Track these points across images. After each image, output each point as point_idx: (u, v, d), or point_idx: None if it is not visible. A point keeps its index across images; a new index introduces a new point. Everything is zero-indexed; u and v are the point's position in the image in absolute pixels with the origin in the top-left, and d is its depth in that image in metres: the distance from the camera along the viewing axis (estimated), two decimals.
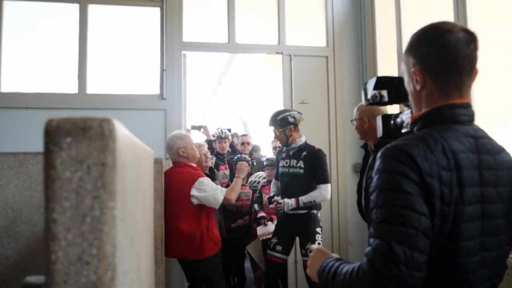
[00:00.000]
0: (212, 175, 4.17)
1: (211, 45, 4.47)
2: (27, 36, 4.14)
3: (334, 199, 4.39)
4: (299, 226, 3.53)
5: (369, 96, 1.53)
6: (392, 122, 1.55)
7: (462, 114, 1.14)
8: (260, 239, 4.01)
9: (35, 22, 4.16)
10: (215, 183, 4.12)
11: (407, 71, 1.22)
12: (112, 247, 0.67)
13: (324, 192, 3.46)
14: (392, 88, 1.48)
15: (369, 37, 4.45)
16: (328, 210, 4.36)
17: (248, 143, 5.17)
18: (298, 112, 3.63)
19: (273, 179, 3.96)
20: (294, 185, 3.51)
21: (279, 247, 3.54)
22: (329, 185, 3.49)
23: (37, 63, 4.15)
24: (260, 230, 4.06)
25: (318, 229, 3.53)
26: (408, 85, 1.23)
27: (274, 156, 4.56)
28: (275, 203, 3.55)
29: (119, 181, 0.71)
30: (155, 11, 4.26)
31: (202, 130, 5.09)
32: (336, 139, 4.50)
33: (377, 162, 1.08)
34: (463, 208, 1.05)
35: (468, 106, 1.15)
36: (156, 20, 4.25)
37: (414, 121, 1.22)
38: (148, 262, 1.58)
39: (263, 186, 4.52)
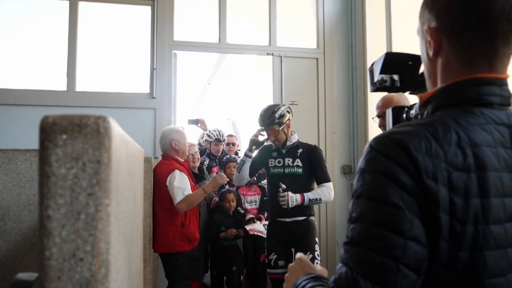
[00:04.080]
0: (201, 175, 4.15)
1: (202, 45, 4.47)
2: (15, 32, 4.10)
3: None
4: (297, 235, 3.09)
5: (375, 79, 1.19)
6: (404, 115, 1.22)
7: (492, 94, 0.81)
8: (251, 233, 4.00)
9: (24, 19, 4.12)
10: (204, 183, 4.11)
11: (420, 31, 0.91)
12: (106, 244, 0.67)
13: (330, 191, 3.08)
14: (404, 71, 1.15)
15: (359, 40, 4.48)
16: (316, 210, 4.38)
17: (233, 144, 5.13)
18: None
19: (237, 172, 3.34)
20: (292, 187, 3.03)
21: (281, 262, 3.08)
22: (332, 183, 3.12)
23: (26, 59, 4.11)
24: (249, 226, 4.04)
25: (317, 239, 3.14)
26: (421, 51, 0.93)
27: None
28: (280, 194, 3.01)
29: (114, 179, 0.71)
30: (146, 10, 4.24)
31: (199, 124, 5.03)
32: (325, 141, 4.53)
33: (362, 157, 0.80)
34: (487, 228, 0.73)
35: (502, 83, 0.83)
36: (147, 19, 4.23)
37: (423, 103, 0.90)
38: (137, 260, 1.58)
39: (238, 187, 4.47)
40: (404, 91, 1.20)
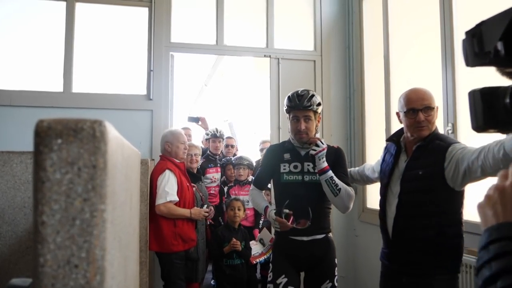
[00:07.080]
0: (198, 175, 4.13)
1: (199, 47, 4.45)
2: (12, 33, 4.08)
3: None
4: (315, 257, 2.54)
5: (487, 48, 0.77)
6: (507, 100, 0.80)
7: None
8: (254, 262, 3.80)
9: (21, 20, 4.10)
10: (201, 184, 4.10)
11: None
12: (102, 250, 0.66)
13: (352, 197, 2.50)
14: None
15: (357, 42, 4.48)
16: None
17: (232, 146, 5.12)
18: None
19: (254, 187, 2.78)
20: (311, 198, 2.49)
21: None
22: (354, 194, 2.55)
23: (22, 60, 4.09)
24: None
25: (336, 260, 2.60)
26: None
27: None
28: (313, 145, 2.47)
29: (110, 184, 0.70)
30: (143, 11, 4.23)
31: (199, 122, 5.00)
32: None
33: None
34: None
35: None
36: (144, 20, 4.22)
37: None
38: (134, 264, 1.57)
39: (230, 187, 4.44)
40: (503, 66, 0.80)
